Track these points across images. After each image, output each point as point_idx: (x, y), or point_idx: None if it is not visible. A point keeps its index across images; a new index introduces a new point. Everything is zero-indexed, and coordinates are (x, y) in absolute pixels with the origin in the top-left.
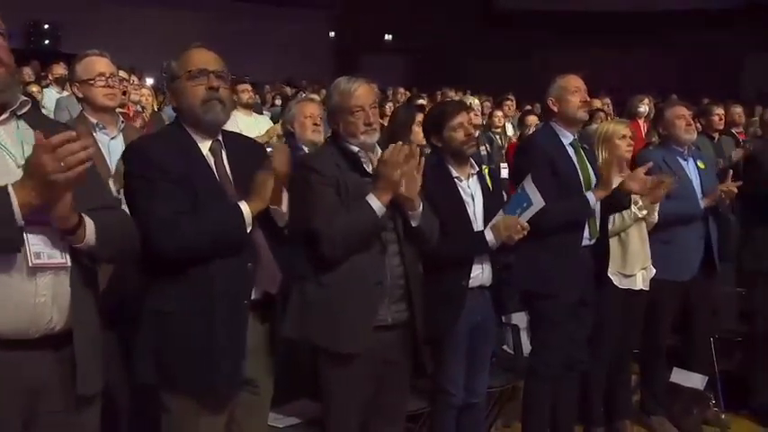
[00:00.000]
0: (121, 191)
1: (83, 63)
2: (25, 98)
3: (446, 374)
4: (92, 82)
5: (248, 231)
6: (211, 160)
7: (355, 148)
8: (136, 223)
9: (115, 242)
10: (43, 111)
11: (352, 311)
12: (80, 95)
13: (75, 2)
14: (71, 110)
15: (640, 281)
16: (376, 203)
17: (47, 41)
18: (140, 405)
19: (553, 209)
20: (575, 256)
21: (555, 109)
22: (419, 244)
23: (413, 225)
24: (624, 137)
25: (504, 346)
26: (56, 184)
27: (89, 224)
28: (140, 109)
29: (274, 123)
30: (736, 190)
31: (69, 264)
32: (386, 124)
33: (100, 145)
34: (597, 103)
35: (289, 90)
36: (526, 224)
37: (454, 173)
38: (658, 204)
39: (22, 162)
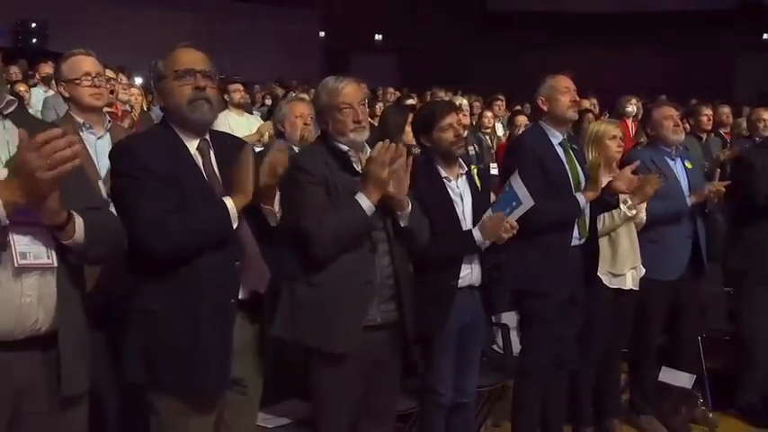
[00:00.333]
0: None
1: (69, 62)
2: (11, 97)
3: (435, 374)
4: (78, 81)
5: (234, 227)
6: (199, 160)
7: (345, 147)
8: (123, 223)
9: (103, 241)
10: (30, 110)
11: (342, 311)
12: (66, 95)
13: (64, 1)
14: (58, 109)
15: (630, 281)
16: (365, 202)
17: (34, 40)
18: (129, 405)
19: (543, 208)
20: (564, 256)
21: (545, 108)
22: (408, 244)
23: (402, 225)
24: (614, 137)
25: (494, 346)
26: (42, 183)
27: (78, 221)
28: (129, 108)
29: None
30: (723, 189)
31: (55, 264)
32: (376, 124)
33: (87, 145)
34: (586, 104)
35: (279, 90)
36: (515, 223)
37: (443, 173)
38: (645, 204)
39: (8, 161)
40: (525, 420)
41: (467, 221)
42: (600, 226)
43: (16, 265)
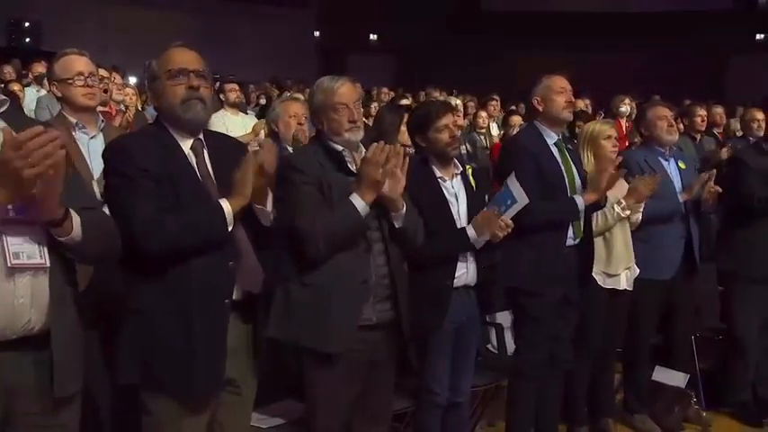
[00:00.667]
0: None
1: (61, 62)
2: (3, 97)
3: (431, 374)
4: (70, 81)
5: (230, 229)
6: (193, 159)
7: (339, 147)
8: (117, 222)
9: (99, 240)
10: (24, 110)
11: (336, 311)
12: (59, 95)
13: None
14: (51, 109)
15: (624, 281)
16: (359, 203)
17: (28, 39)
18: (122, 406)
19: (541, 208)
20: (559, 255)
21: (540, 108)
22: (403, 244)
23: (396, 226)
24: (610, 137)
25: (488, 345)
26: (26, 181)
27: (75, 218)
28: (123, 108)
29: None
30: (720, 190)
31: (48, 264)
32: (371, 124)
33: (79, 144)
34: (580, 104)
35: (274, 90)
36: (510, 221)
37: (438, 173)
38: (643, 205)
39: None
40: (519, 420)
41: (462, 221)
42: (593, 226)
43: (9, 264)
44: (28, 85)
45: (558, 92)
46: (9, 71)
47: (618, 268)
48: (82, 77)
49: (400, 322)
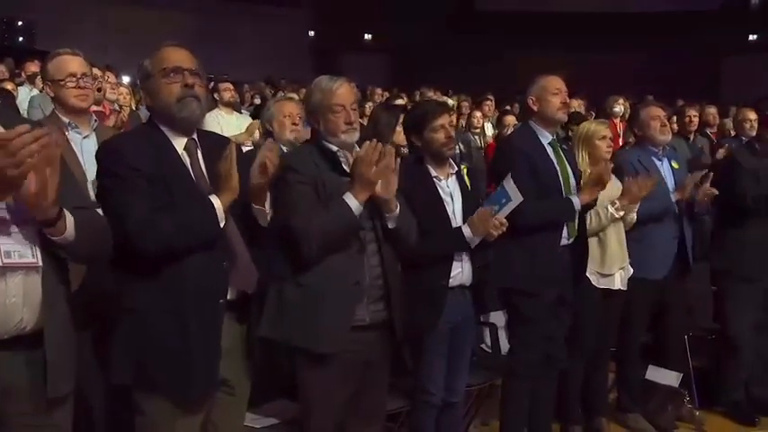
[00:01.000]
0: None
1: (54, 62)
2: None
3: (427, 374)
4: (62, 83)
5: (222, 225)
6: (187, 160)
7: (335, 148)
8: (111, 222)
9: (92, 239)
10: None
11: (329, 312)
12: (52, 95)
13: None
14: (44, 108)
15: (618, 281)
16: (353, 202)
17: (21, 38)
18: (115, 406)
19: (538, 207)
20: (553, 255)
21: (535, 108)
22: (396, 245)
23: (389, 227)
24: (604, 137)
25: (482, 345)
26: (11, 180)
27: (69, 217)
28: (117, 108)
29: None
30: (716, 192)
31: (41, 263)
32: (365, 124)
33: (72, 144)
34: (573, 104)
35: (268, 89)
36: (504, 220)
37: (433, 172)
38: (638, 205)
39: None
40: (513, 419)
41: (457, 220)
42: (587, 225)
43: (1, 264)
44: (21, 84)
45: (554, 92)
46: (2, 70)
47: (612, 268)
48: (74, 79)
49: (393, 323)
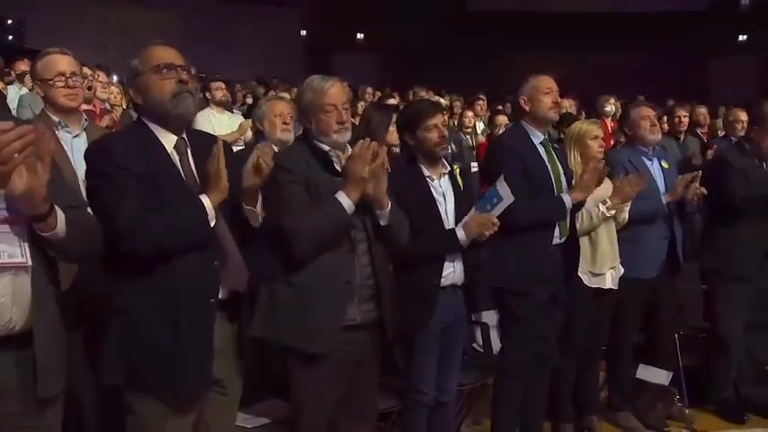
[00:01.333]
0: None
1: (43, 61)
2: None
3: (419, 374)
4: (51, 82)
5: (212, 225)
6: (176, 158)
7: (326, 147)
8: (101, 221)
9: (82, 237)
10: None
11: (320, 311)
12: (41, 94)
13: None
14: (34, 107)
15: (609, 280)
16: (346, 201)
17: (10, 37)
18: (106, 406)
19: (529, 206)
20: (545, 255)
21: (526, 108)
22: (388, 243)
23: (381, 224)
24: (596, 137)
25: (474, 344)
26: None
27: (60, 214)
28: (108, 107)
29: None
30: (706, 192)
31: (30, 263)
32: (356, 123)
33: (63, 143)
34: (566, 104)
35: (260, 89)
36: (496, 220)
37: (426, 172)
38: (629, 204)
39: None
40: (505, 418)
41: (449, 220)
42: (578, 225)
43: None
44: (10, 83)
45: (545, 92)
46: None
47: (603, 267)
48: (63, 78)
49: (384, 322)
